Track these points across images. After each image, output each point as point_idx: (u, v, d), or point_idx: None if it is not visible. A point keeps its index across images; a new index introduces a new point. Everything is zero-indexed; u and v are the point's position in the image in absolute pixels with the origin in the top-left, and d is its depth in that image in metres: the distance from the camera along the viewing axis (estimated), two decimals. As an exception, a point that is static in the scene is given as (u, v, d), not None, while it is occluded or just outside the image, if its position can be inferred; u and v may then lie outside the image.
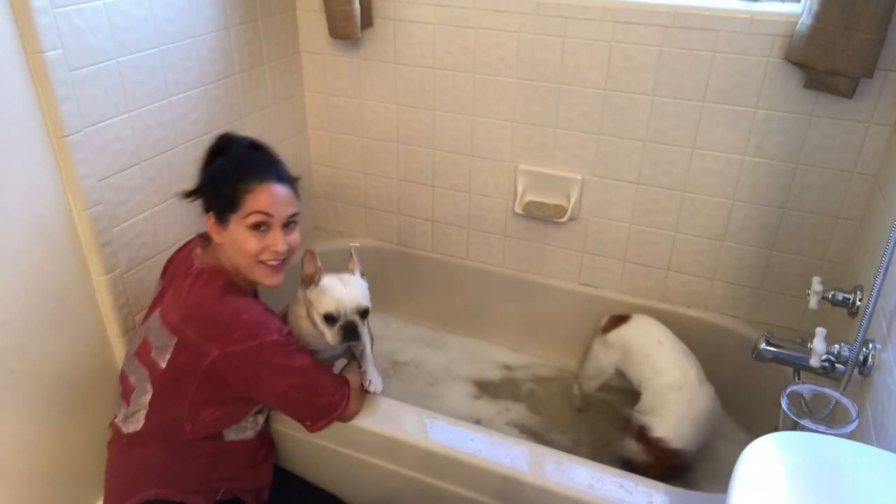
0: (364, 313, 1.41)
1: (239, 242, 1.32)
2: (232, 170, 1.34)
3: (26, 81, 1.28)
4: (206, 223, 1.36)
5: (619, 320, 1.89)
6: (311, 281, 1.41)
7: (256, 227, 1.31)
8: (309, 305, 1.41)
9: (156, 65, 1.55)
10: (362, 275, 1.49)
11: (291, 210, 1.35)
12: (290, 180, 1.38)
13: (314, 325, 1.41)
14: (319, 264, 1.42)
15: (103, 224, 1.48)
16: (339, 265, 2.26)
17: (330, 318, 1.37)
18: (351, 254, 1.51)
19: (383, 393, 1.50)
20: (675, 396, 1.68)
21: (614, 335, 1.87)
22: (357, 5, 1.83)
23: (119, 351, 1.59)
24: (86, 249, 1.47)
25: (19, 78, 1.27)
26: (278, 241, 1.33)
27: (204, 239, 1.42)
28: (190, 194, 1.43)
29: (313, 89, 2.12)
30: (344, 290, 1.39)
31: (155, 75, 1.56)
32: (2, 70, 1.23)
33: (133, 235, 1.57)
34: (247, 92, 1.88)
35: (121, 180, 1.51)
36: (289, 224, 1.35)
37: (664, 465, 1.62)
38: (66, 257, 1.43)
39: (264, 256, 1.33)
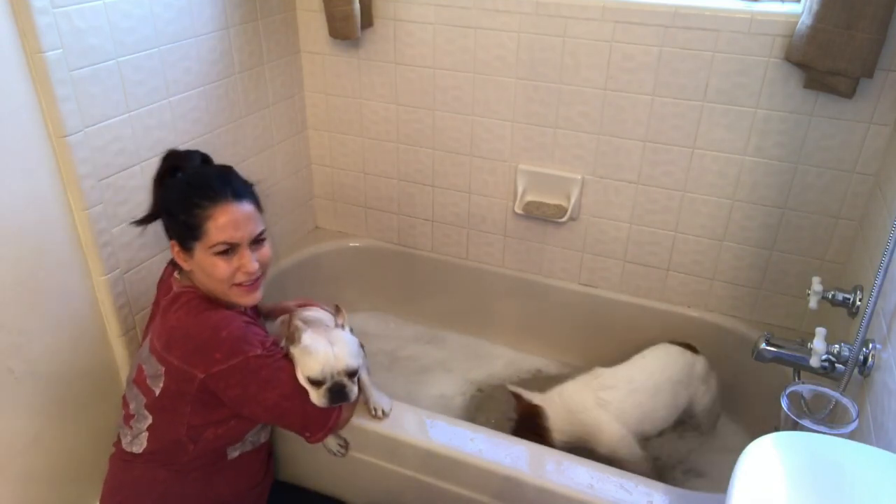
0: (353, 374, 1.30)
1: (208, 270, 1.25)
2: (186, 194, 1.26)
3: (26, 81, 1.28)
4: (171, 251, 1.30)
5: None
6: (293, 339, 1.31)
7: (223, 252, 1.24)
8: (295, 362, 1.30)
9: (156, 65, 1.55)
10: (352, 330, 1.37)
11: (257, 229, 1.28)
12: (248, 194, 1.30)
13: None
14: (297, 323, 1.31)
15: (103, 224, 1.48)
16: (339, 266, 2.28)
17: (315, 382, 1.27)
18: (338, 308, 1.40)
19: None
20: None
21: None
22: (357, 5, 1.83)
23: (119, 351, 1.59)
24: (86, 249, 1.47)
25: (19, 78, 1.27)
26: (248, 262, 1.26)
27: (174, 265, 1.35)
28: (143, 221, 1.36)
29: (313, 89, 2.12)
30: (330, 351, 1.27)
31: (155, 75, 1.56)
32: (2, 70, 1.23)
33: (133, 235, 1.57)
34: (247, 92, 1.88)
35: (121, 180, 1.51)
36: (257, 241, 1.29)
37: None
38: (66, 257, 1.43)
39: (237, 279, 1.27)
